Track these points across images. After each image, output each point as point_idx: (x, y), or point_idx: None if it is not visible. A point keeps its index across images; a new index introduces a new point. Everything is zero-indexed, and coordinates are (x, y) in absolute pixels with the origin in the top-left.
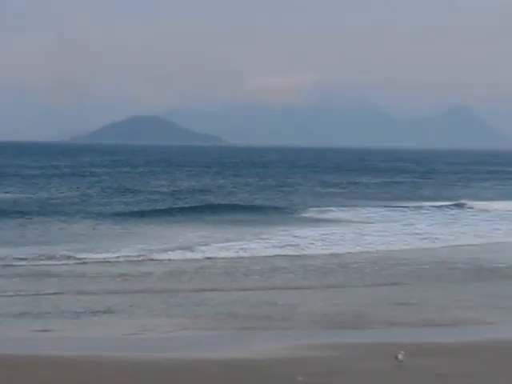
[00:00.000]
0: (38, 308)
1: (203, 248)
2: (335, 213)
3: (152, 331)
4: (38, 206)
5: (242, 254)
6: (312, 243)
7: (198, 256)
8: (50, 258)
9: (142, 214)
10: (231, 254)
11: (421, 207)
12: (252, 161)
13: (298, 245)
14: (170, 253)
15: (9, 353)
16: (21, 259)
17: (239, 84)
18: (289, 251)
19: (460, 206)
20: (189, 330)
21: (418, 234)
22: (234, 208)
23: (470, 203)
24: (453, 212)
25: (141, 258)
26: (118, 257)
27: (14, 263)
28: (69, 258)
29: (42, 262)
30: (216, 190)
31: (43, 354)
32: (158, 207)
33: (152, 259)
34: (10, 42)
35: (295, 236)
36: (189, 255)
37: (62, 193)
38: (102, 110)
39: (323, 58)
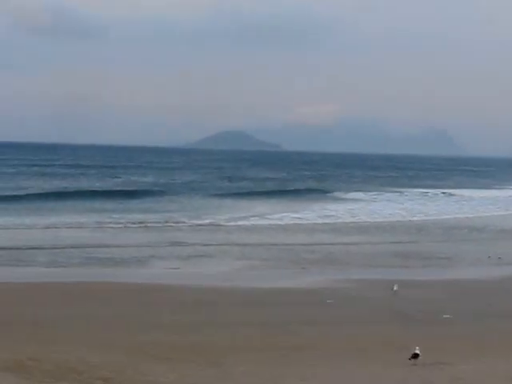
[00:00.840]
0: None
1: (277, 216)
2: (354, 193)
3: (240, 269)
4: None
5: (296, 221)
6: (343, 213)
7: (271, 222)
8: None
9: (243, 195)
10: (287, 220)
11: (411, 192)
12: (303, 161)
13: (333, 215)
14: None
15: (160, 282)
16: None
17: (292, 108)
18: (327, 219)
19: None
20: (259, 268)
21: (407, 208)
22: (287, 192)
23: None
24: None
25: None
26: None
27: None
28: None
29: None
30: (280, 179)
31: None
32: (248, 190)
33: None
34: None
35: (328, 209)
36: (264, 221)
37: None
38: (199, 125)
39: (347, 90)
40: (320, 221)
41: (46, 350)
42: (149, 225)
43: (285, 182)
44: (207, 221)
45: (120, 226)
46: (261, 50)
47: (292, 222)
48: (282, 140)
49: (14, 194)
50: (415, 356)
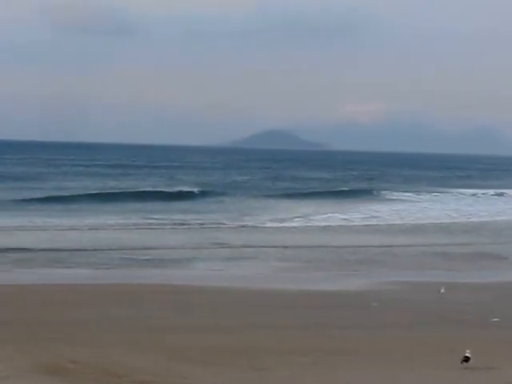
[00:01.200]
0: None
1: (322, 217)
2: (402, 193)
3: (282, 271)
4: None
5: (342, 222)
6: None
7: (316, 223)
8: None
9: (287, 195)
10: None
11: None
12: (350, 160)
13: (380, 216)
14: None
15: (202, 284)
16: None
17: (340, 107)
18: (373, 220)
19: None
20: (302, 271)
21: (457, 209)
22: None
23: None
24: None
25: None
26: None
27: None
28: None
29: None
30: (326, 179)
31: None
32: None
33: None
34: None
35: (375, 210)
36: (309, 222)
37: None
38: (244, 124)
39: (396, 89)
40: (366, 222)
41: (87, 352)
42: (191, 226)
43: (331, 182)
44: (250, 222)
45: (162, 226)
46: (309, 47)
47: (337, 224)
48: (328, 139)
49: (59, 194)
50: (466, 359)
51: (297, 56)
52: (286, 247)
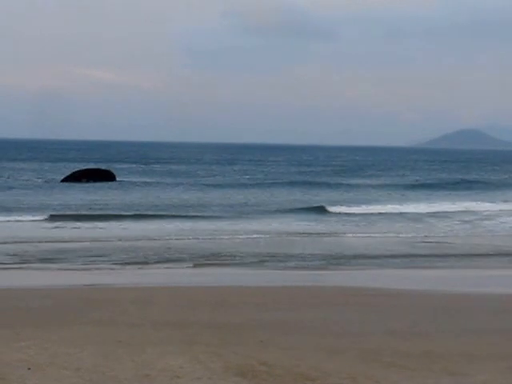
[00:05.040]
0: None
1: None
2: None
3: None
4: None
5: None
6: None
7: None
8: None
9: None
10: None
11: None
12: None
13: None
14: None
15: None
16: None
17: None
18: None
19: None
20: None
21: None
22: None
23: None
24: None
25: None
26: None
27: None
28: None
29: None
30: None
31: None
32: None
33: None
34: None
35: None
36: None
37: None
38: (439, 123)
39: None
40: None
41: (277, 354)
42: None
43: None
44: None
45: None
46: (495, 43)
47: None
48: None
49: None
50: None
51: (488, 52)
52: None
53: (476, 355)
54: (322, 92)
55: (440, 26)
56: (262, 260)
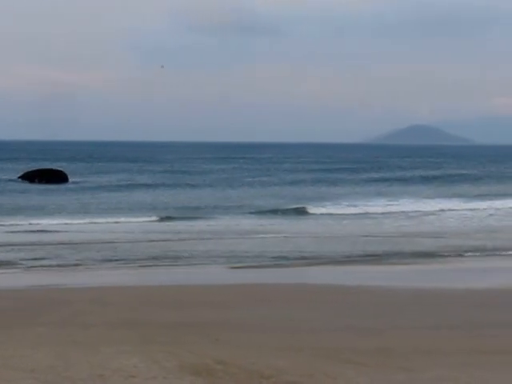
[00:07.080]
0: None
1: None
2: None
3: None
4: None
5: None
6: None
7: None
8: None
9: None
10: None
11: None
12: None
13: None
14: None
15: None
16: None
17: (486, 100)
18: None
19: None
20: None
21: None
22: None
23: None
24: None
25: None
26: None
27: None
28: None
29: None
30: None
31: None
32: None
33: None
34: None
35: None
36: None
37: None
38: (387, 119)
39: None
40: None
41: (233, 353)
42: None
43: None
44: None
45: None
46: (444, 40)
47: None
48: (474, 134)
49: None
50: None
51: (439, 50)
52: None
53: (431, 351)
54: (271, 89)
55: (389, 24)
56: (218, 259)
